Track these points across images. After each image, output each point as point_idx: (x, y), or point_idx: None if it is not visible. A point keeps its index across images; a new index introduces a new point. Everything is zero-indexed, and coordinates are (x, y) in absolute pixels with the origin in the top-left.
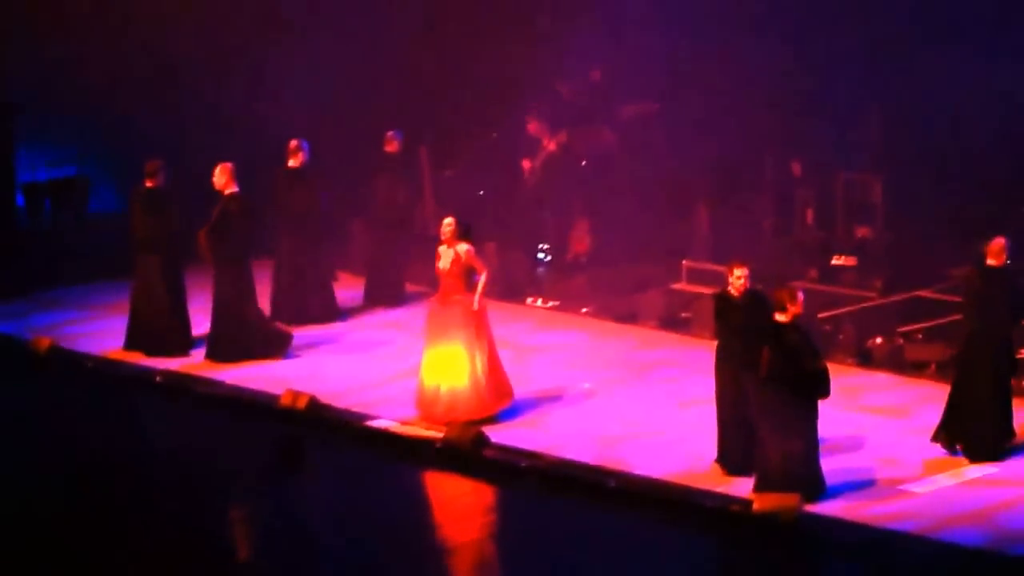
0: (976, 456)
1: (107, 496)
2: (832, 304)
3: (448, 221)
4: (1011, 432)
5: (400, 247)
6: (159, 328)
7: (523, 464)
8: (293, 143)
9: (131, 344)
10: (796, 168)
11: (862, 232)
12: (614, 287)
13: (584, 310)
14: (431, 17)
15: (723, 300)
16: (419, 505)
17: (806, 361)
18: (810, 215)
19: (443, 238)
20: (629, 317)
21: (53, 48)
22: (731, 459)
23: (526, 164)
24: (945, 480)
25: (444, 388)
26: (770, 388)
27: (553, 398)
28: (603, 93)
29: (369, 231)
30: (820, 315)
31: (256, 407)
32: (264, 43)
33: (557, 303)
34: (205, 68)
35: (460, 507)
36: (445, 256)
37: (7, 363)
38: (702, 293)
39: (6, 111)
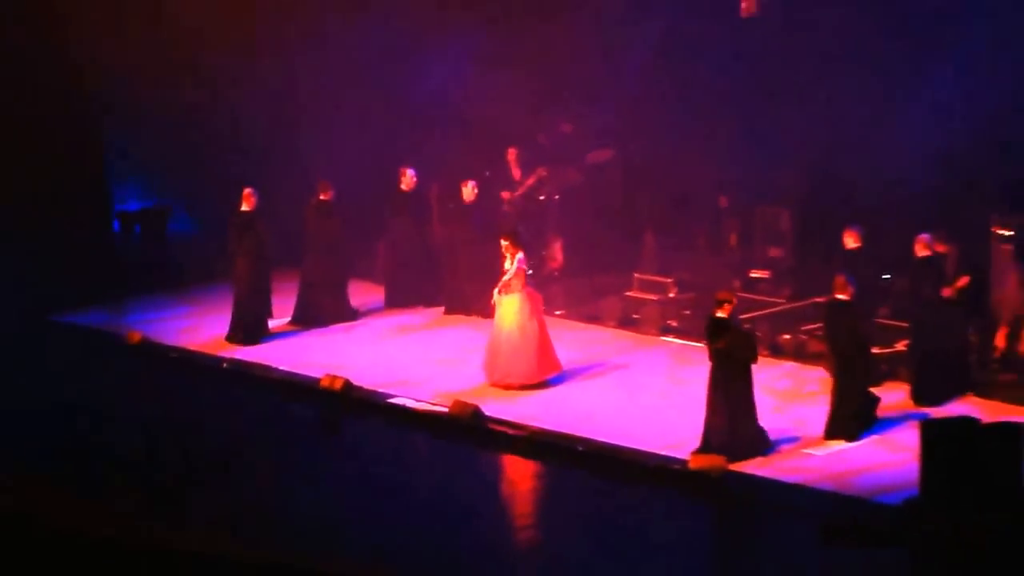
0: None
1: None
2: (751, 308)
3: (504, 243)
4: None
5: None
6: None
7: (510, 433)
8: (323, 181)
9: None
10: (723, 202)
11: (774, 252)
12: (581, 294)
13: (558, 312)
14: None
15: (715, 322)
16: (429, 468)
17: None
18: (734, 239)
19: (503, 251)
20: (593, 318)
21: (144, 91)
22: (715, 444)
23: (505, 195)
24: (837, 446)
25: (501, 358)
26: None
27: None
28: (571, 142)
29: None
30: (742, 316)
31: (302, 388)
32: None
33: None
34: (264, 112)
35: (461, 469)
36: (508, 261)
37: (106, 352)
38: (649, 299)
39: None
